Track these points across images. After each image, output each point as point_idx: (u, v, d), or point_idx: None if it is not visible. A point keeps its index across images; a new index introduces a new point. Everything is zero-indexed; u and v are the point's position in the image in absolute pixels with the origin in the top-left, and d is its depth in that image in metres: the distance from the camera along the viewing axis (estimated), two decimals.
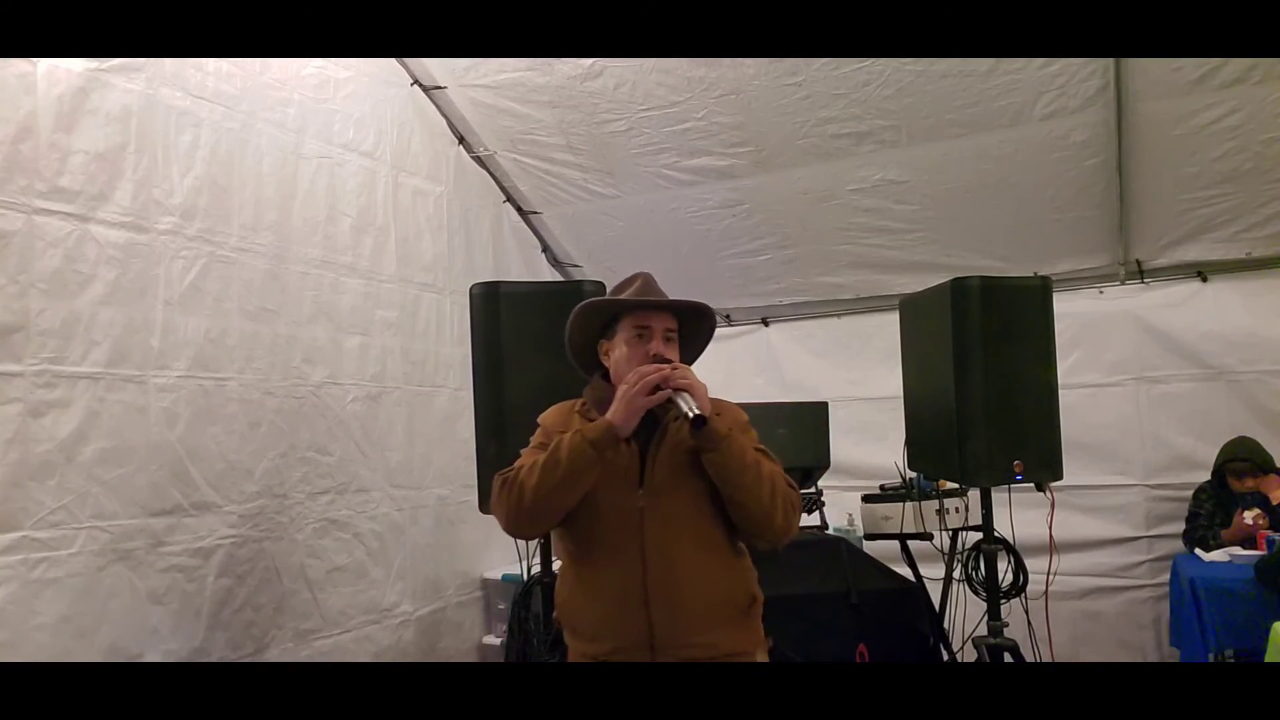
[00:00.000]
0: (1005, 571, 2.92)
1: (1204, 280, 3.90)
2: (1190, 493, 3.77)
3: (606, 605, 1.76)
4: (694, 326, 1.93)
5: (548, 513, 1.77)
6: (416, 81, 3.97)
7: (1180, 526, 3.78)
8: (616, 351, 1.87)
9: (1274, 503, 3.50)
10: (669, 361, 1.79)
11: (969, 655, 2.84)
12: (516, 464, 1.80)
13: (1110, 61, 3.25)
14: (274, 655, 3.09)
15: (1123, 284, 4.05)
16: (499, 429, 2.58)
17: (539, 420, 1.93)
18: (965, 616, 2.94)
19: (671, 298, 1.91)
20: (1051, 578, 2.90)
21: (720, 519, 1.80)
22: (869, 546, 3.26)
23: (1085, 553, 3.97)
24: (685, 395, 1.71)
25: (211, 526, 2.90)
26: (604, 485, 1.77)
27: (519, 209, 4.63)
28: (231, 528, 2.96)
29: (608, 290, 2.74)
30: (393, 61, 3.85)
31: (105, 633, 2.55)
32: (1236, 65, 3.17)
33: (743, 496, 1.75)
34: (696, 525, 1.78)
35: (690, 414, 1.68)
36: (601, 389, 1.87)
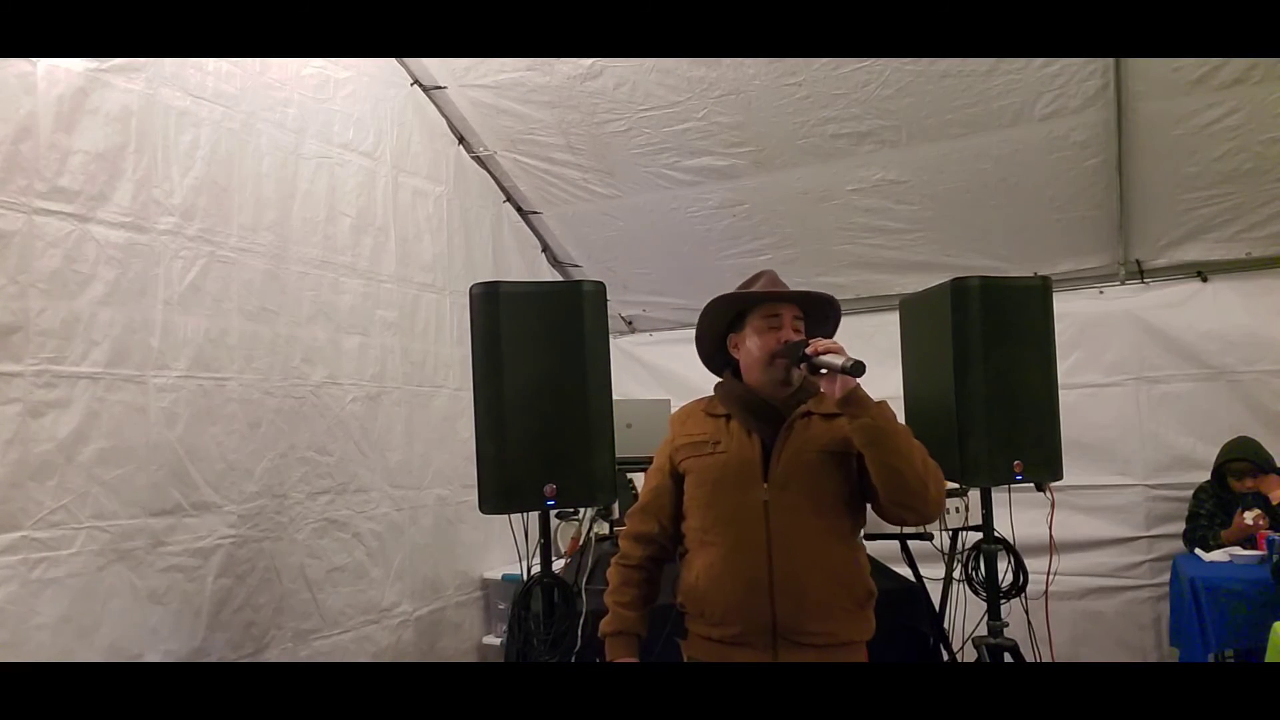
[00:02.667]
0: (1005, 571, 2.92)
1: (1204, 280, 3.90)
2: (1190, 493, 3.77)
3: (733, 592, 1.82)
4: (819, 317, 1.99)
5: None
6: (416, 81, 3.97)
7: (1180, 526, 3.78)
8: (747, 342, 1.94)
9: (1274, 503, 3.50)
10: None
11: (969, 655, 2.84)
12: (630, 515, 2.08)
13: (1110, 61, 3.25)
14: (274, 655, 3.09)
15: (1123, 284, 4.05)
16: (498, 429, 2.57)
17: (670, 419, 2.07)
18: (965, 616, 2.93)
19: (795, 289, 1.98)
20: (1051, 578, 2.89)
21: (841, 514, 1.87)
22: (869, 546, 3.24)
23: (1085, 553, 3.97)
24: (833, 355, 1.74)
25: (211, 526, 2.90)
26: (729, 479, 1.87)
27: (519, 209, 4.63)
28: (231, 528, 2.96)
29: (608, 291, 2.76)
30: (393, 61, 3.85)
31: (105, 633, 2.56)
32: (1236, 65, 3.17)
33: (898, 462, 1.76)
34: (818, 519, 1.84)
35: (848, 363, 1.71)
36: (730, 385, 1.98)
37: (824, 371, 1.75)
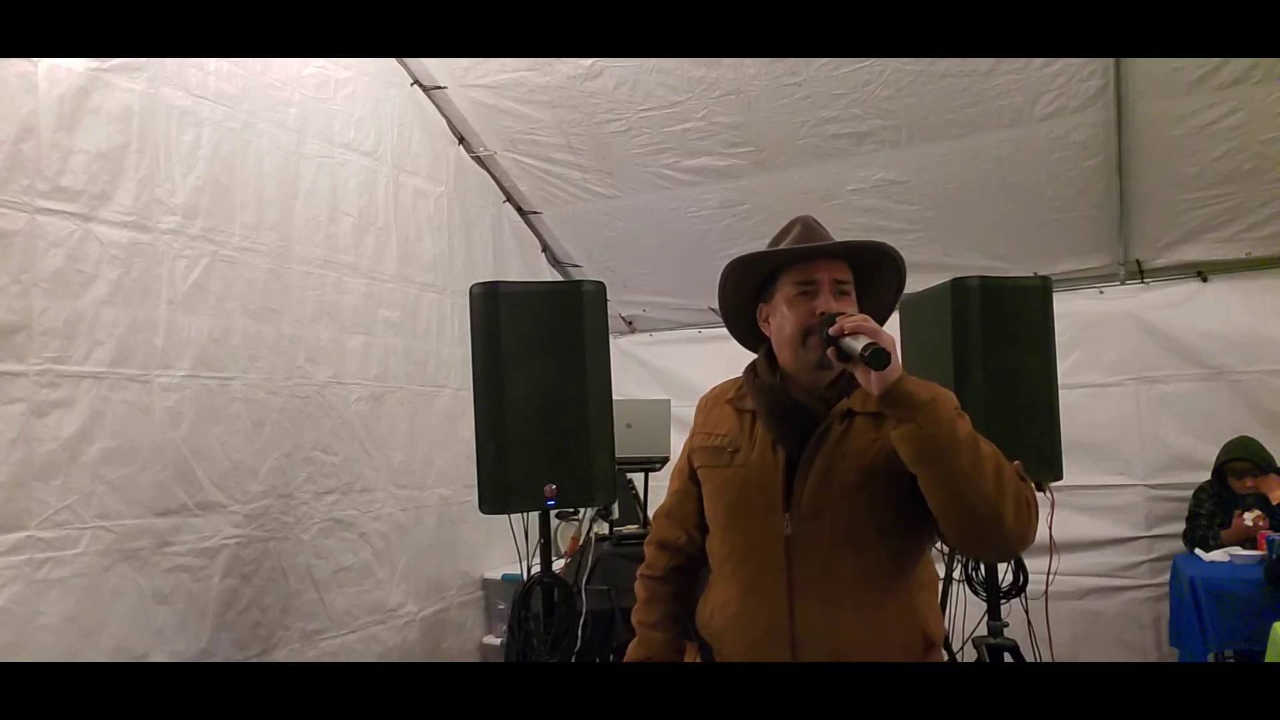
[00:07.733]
0: (1005, 571, 2.92)
1: (1204, 280, 3.90)
2: (1190, 493, 3.78)
3: (750, 641, 1.50)
4: (871, 277, 1.57)
5: None
6: (416, 81, 3.97)
7: (1180, 526, 3.78)
8: (777, 315, 1.54)
9: (1274, 503, 3.50)
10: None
11: (969, 655, 2.84)
12: (655, 519, 1.80)
13: (1110, 61, 3.26)
14: (281, 656, 3.10)
15: (1123, 284, 4.05)
16: (499, 429, 2.58)
17: (697, 407, 1.71)
18: (965, 616, 2.94)
19: (839, 240, 1.55)
20: (1051, 578, 2.89)
21: (894, 548, 1.47)
22: None
23: (1085, 553, 3.97)
24: (858, 336, 1.33)
25: (216, 526, 2.90)
26: (745, 503, 1.52)
27: (519, 209, 4.63)
28: (237, 528, 2.97)
29: (608, 291, 2.74)
30: (393, 61, 3.86)
31: (110, 633, 2.56)
32: (1236, 65, 3.17)
33: (959, 484, 1.32)
34: (858, 559, 1.45)
35: (867, 349, 1.29)
36: (761, 371, 1.59)
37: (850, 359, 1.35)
